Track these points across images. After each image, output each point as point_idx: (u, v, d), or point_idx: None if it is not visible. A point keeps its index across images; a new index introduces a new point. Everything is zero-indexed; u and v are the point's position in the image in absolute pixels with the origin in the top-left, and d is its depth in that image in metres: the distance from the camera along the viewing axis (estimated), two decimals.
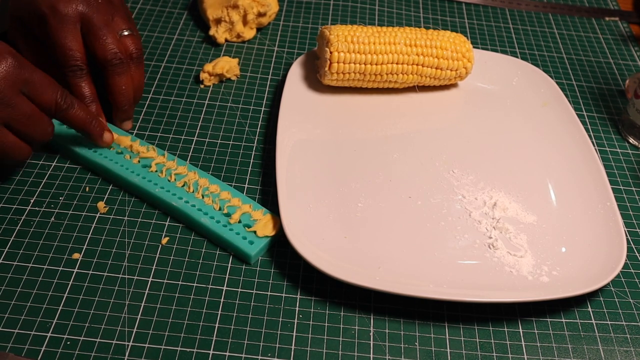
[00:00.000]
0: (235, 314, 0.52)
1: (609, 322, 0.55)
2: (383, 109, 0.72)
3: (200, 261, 0.56)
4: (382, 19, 0.87)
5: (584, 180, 0.64)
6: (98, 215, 0.58)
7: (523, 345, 0.53)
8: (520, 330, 0.54)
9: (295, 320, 0.53)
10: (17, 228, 0.56)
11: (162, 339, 0.50)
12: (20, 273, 0.53)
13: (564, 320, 0.55)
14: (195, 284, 0.54)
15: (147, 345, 0.50)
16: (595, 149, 0.69)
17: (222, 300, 0.53)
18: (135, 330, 0.50)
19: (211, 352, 0.50)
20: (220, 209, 0.58)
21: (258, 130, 0.69)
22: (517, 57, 0.83)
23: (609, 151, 0.71)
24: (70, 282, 0.53)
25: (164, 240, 0.57)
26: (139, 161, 0.61)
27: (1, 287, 0.52)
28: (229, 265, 0.56)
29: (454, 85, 0.75)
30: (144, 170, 0.60)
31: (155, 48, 0.78)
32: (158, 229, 0.58)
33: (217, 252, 0.57)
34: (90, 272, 0.54)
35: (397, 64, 0.69)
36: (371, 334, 0.52)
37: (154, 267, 0.55)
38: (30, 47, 0.63)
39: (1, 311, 0.51)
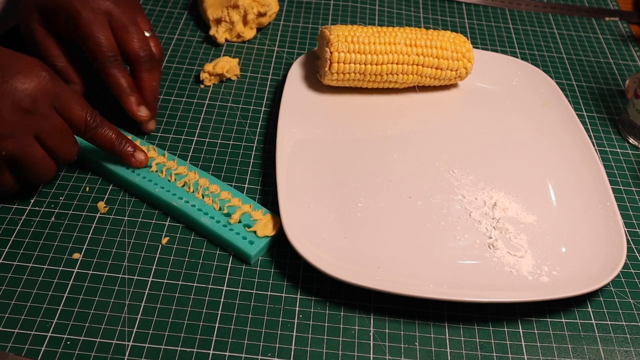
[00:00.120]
0: (235, 314, 0.52)
1: (609, 322, 0.55)
2: (383, 109, 0.72)
3: (200, 261, 0.56)
4: (382, 19, 0.87)
5: (584, 180, 0.64)
6: (98, 215, 0.58)
7: (523, 345, 0.53)
8: (520, 330, 0.54)
9: (295, 320, 0.53)
10: (17, 228, 0.56)
11: (162, 339, 0.50)
12: (21, 273, 0.53)
13: (564, 320, 0.55)
14: (195, 284, 0.54)
15: (147, 345, 0.50)
16: (595, 149, 0.69)
17: (222, 300, 0.53)
18: (135, 330, 0.50)
19: (211, 352, 0.50)
20: (220, 209, 0.58)
21: (258, 130, 0.69)
22: (517, 57, 0.83)
23: (609, 151, 0.71)
24: (70, 282, 0.53)
25: (164, 240, 0.57)
26: None
27: (1, 287, 0.52)
28: (229, 265, 0.56)
29: (454, 85, 0.75)
30: (144, 170, 0.60)
31: None
32: (158, 229, 0.58)
33: (217, 252, 0.57)
34: (91, 272, 0.54)
35: (397, 64, 0.69)
36: (371, 334, 0.52)
37: (154, 267, 0.55)
38: (50, 39, 0.62)
39: (1, 311, 0.51)
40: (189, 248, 0.57)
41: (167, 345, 0.50)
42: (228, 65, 0.73)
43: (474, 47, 0.76)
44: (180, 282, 0.54)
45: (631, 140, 0.72)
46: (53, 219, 0.58)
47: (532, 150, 0.68)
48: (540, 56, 0.84)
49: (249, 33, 0.80)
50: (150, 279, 0.54)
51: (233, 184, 0.62)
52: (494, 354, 0.52)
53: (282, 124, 0.65)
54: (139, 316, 0.51)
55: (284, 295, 0.54)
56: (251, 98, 0.73)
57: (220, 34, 0.79)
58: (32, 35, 0.62)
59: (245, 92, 0.73)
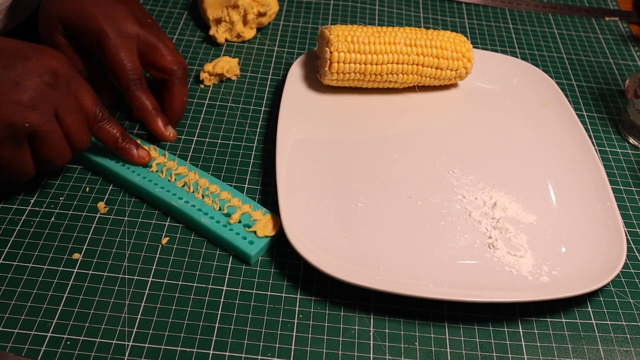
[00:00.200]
0: (235, 314, 0.52)
1: (609, 322, 0.55)
2: (383, 109, 0.72)
3: (200, 261, 0.56)
4: (382, 19, 0.87)
5: (584, 180, 0.64)
6: (98, 215, 0.58)
7: (523, 345, 0.53)
8: (520, 330, 0.54)
9: (295, 320, 0.53)
10: (17, 228, 0.56)
11: (162, 339, 0.50)
12: (21, 273, 0.53)
13: (564, 320, 0.55)
14: (195, 284, 0.54)
15: (147, 345, 0.50)
16: (595, 149, 0.69)
17: (222, 300, 0.53)
18: (135, 330, 0.50)
19: (211, 352, 0.50)
20: (220, 209, 0.58)
21: (258, 130, 0.69)
22: (517, 57, 0.83)
23: (609, 151, 0.71)
24: (70, 282, 0.53)
25: (164, 240, 0.57)
26: None
27: (1, 287, 0.52)
28: (229, 265, 0.56)
29: (454, 85, 0.75)
30: (145, 170, 0.60)
31: None
32: (158, 229, 0.58)
33: (217, 252, 0.57)
34: (90, 272, 0.54)
35: (397, 64, 0.69)
36: (371, 334, 0.52)
37: (154, 267, 0.55)
38: (74, 52, 0.63)
39: (1, 311, 0.51)
40: (189, 248, 0.57)
41: (167, 345, 0.50)
42: (228, 65, 0.73)
43: (474, 47, 0.76)
44: (180, 282, 0.54)
45: (631, 140, 0.72)
46: (53, 219, 0.58)
47: (532, 150, 0.68)
48: (540, 56, 0.84)
49: (249, 33, 0.80)
50: (150, 279, 0.54)
51: (233, 184, 0.62)
52: (494, 354, 0.52)
53: (282, 124, 0.65)
54: (139, 316, 0.51)
55: (284, 295, 0.54)
56: (251, 98, 0.73)
57: (220, 34, 0.79)
58: (55, 47, 0.61)
59: (245, 92, 0.73)
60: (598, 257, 0.57)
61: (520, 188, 0.64)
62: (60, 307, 0.51)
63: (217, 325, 0.52)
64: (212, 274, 0.55)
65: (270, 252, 0.57)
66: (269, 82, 0.75)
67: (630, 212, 0.64)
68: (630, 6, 0.97)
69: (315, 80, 0.72)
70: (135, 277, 0.54)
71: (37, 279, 0.53)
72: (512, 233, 0.59)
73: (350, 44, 0.68)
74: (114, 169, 0.60)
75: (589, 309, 0.56)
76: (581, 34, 0.89)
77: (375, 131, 0.69)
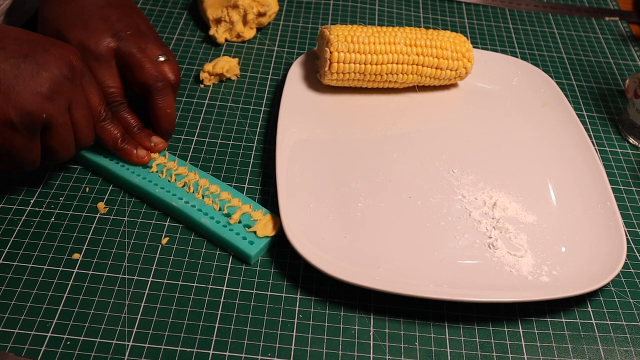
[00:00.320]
0: (235, 314, 0.52)
1: (609, 322, 0.55)
2: (383, 109, 0.72)
3: (200, 261, 0.56)
4: (382, 19, 0.87)
5: (584, 180, 0.64)
6: (98, 215, 0.58)
7: (523, 345, 0.53)
8: (520, 330, 0.54)
9: (295, 320, 0.53)
10: (17, 228, 0.56)
11: (162, 339, 0.50)
12: (20, 273, 0.53)
13: (564, 320, 0.55)
14: (195, 284, 0.54)
15: (147, 345, 0.50)
16: (595, 149, 0.69)
17: (222, 300, 0.53)
18: (135, 330, 0.50)
19: (211, 352, 0.50)
20: (220, 210, 0.58)
21: (258, 130, 0.69)
22: (517, 57, 0.83)
23: (609, 151, 0.71)
24: (70, 282, 0.53)
25: (164, 241, 0.57)
26: None
27: (1, 287, 0.52)
28: (229, 265, 0.56)
29: (454, 85, 0.75)
30: (145, 170, 0.60)
31: None
32: (158, 229, 0.58)
33: (217, 252, 0.57)
34: (90, 272, 0.54)
35: (397, 63, 0.69)
36: (371, 334, 0.52)
37: (154, 267, 0.55)
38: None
39: (1, 311, 0.51)
40: (189, 248, 0.57)
41: (167, 345, 0.50)
42: (228, 65, 0.73)
43: (474, 47, 0.76)
44: (180, 282, 0.54)
45: (631, 140, 0.72)
46: (53, 219, 0.58)
47: (532, 150, 0.68)
48: (540, 56, 0.84)
49: (249, 33, 0.80)
50: (150, 279, 0.54)
51: (233, 184, 0.62)
52: (494, 354, 0.52)
53: (282, 124, 0.65)
54: (139, 316, 0.51)
55: (284, 295, 0.54)
56: (251, 98, 0.73)
57: (220, 33, 0.79)
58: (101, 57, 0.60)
59: (245, 92, 0.73)
60: (598, 257, 0.57)
61: (520, 188, 0.64)
62: (60, 307, 0.51)
63: (217, 325, 0.52)
64: (212, 274, 0.55)
65: (270, 252, 0.57)
66: (268, 82, 0.75)
67: (630, 212, 0.64)
68: (630, 6, 0.97)
69: (315, 80, 0.72)
70: (135, 277, 0.54)
71: (37, 279, 0.53)
72: (512, 233, 0.59)
73: (350, 44, 0.68)
74: (114, 170, 0.60)
75: (589, 309, 0.56)
76: (581, 34, 0.89)
77: (375, 131, 0.69)
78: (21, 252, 0.55)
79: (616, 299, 0.57)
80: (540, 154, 0.68)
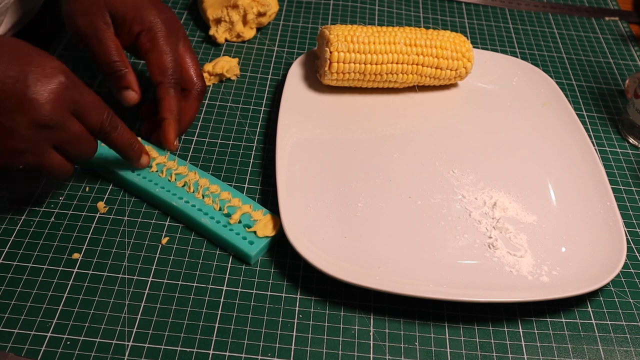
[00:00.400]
0: (235, 314, 0.52)
1: (609, 322, 0.55)
2: (383, 109, 0.72)
3: (200, 261, 0.56)
4: (382, 19, 0.87)
5: (584, 180, 0.64)
6: (98, 215, 0.58)
7: (523, 345, 0.53)
8: (520, 330, 0.54)
9: (295, 320, 0.53)
10: (17, 228, 0.56)
11: (162, 339, 0.50)
12: (20, 273, 0.53)
13: (564, 320, 0.55)
14: (195, 284, 0.54)
15: (147, 345, 0.50)
16: (595, 149, 0.69)
17: (222, 300, 0.53)
18: (135, 330, 0.50)
19: (211, 352, 0.50)
20: (220, 209, 0.58)
21: (258, 130, 0.69)
22: (517, 57, 0.83)
23: (609, 151, 0.71)
24: (70, 282, 0.53)
25: (164, 240, 0.57)
26: None
27: (1, 287, 0.52)
28: (229, 265, 0.56)
29: (454, 85, 0.75)
30: (145, 170, 0.60)
31: None
32: (158, 229, 0.58)
33: (217, 252, 0.57)
34: (90, 272, 0.54)
35: (397, 63, 0.69)
36: (371, 334, 0.52)
37: (154, 267, 0.55)
38: (118, 43, 0.61)
39: (1, 311, 0.51)
40: (189, 248, 0.57)
41: (167, 345, 0.50)
42: (228, 65, 0.73)
43: (474, 47, 0.76)
44: (180, 282, 0.54)
45: (631, 140, 0.72)
46: (53, 219, 0.57)
47: (532, 150, 0.68)
48: (540, 56, 0.84)
49: (249, 33, 0.80)
50: (150, 279, 0.54)
51: (233, 184, 0.62)
52: (494, 354, 0.52)
53: (282, 123, 0.65)
54: (139, 316, 0.51)
55: (284, 295, 0.54)
56: (251, 98, 0.73)
57: (220, 33, 0.78)
58: (97, 35, 0.59)
59: (245, 92, 0.73)
60: (598, 257, 0.57)
61: (520, 188, 0.64)
62: (60, 307, 0.51)
63: (217, 325, 0.52)
64: (212, 274, 0.55)
65: (270, 252, 0.57)
66: (268, 82, 0.75)
67: (630, 212, 0.64)
68: (630, 6, 0.97)
69: (315, 80, 0.72)
70: (135, 277, 0.54)
71: (37, 278, 0.53)
72: (512, 233, 0.59)
73: (350, 43, 0.68)
74: (114, 169, 0.60)
75: (589, 309, 0.56)
76: (581, 34, 0.89)
77: (375, 131, 0.69)
78: (21, 251, 0.55)
79: (616, 299, 0.57)
80: (540, 154, 0.68)
